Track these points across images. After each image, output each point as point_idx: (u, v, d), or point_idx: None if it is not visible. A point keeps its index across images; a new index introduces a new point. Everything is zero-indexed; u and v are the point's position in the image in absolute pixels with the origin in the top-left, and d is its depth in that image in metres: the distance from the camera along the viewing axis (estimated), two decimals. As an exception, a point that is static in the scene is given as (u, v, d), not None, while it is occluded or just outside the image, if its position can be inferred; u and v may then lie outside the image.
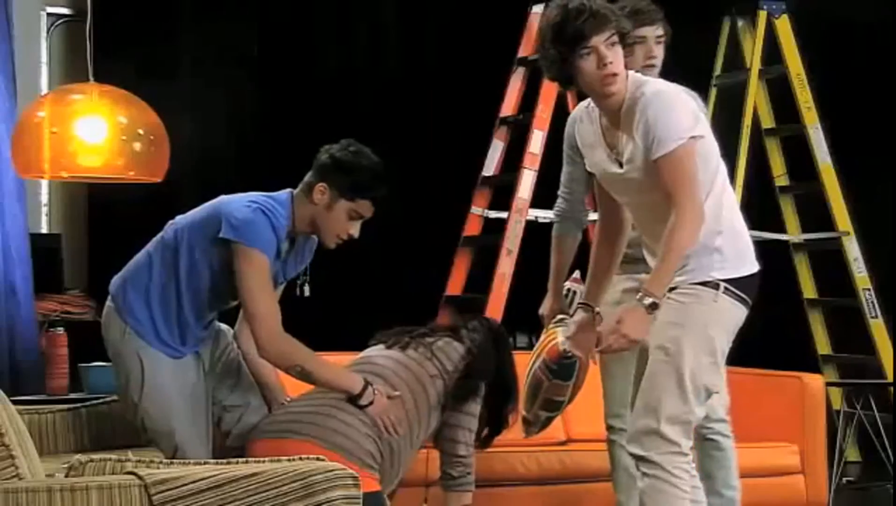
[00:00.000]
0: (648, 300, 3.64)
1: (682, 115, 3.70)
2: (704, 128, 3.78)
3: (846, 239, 7.34)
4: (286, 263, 4.31)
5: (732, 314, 3.81)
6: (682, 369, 3.72)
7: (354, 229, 4.21)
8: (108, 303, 4.26)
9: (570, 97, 7.20)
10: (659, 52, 4.47)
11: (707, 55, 7.46)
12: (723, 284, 3.77)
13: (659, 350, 3.75)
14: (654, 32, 4.46)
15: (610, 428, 4.69)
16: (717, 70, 7.60)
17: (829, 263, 7.53)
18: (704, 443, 4.66)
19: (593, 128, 3.86)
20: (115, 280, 4.29)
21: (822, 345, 7.65)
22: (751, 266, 3.86)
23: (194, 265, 4.15)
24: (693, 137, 3.69)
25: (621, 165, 3.78)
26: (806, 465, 5.80)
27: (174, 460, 3.75)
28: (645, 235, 3.95)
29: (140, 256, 4.28)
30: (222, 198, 4.20)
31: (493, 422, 4.50)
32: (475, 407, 4.35)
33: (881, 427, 7.03)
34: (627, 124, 3.73)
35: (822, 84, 7.44)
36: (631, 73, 3.78)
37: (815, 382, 5.87)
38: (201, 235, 4.14)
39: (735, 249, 3.82)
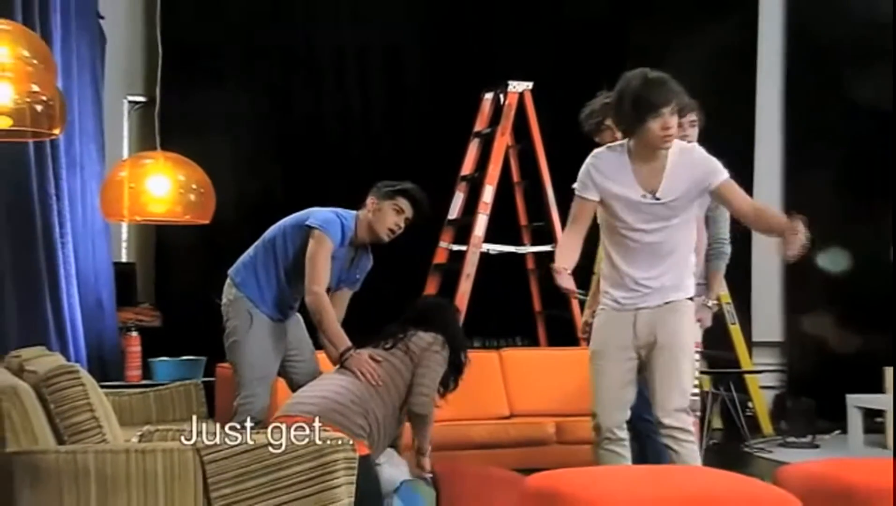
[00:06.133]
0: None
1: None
2: None
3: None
4: (350, 270, 4.52)
5: None
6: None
7: (400, 220, 4.43)
8: (227, 281, 4.47)
9: (512, 161, 7.23)
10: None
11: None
12: None
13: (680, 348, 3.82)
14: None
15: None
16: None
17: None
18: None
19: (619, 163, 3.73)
20: (232, 268, 4.50)
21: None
22: None
23: (287, 248, 4.41)
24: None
25: (653, 197, 3.70)
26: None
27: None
28: (631, 265, 3.80)
29: (249, 250, 4.51)
30: (313, 208, 4.47)
31: (455, 370, 4.36)
32: (439, 365, 4.26)
33: (737, 403, 7.11)
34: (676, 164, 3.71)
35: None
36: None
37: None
38: (296, 227, 4.41)
39: None
